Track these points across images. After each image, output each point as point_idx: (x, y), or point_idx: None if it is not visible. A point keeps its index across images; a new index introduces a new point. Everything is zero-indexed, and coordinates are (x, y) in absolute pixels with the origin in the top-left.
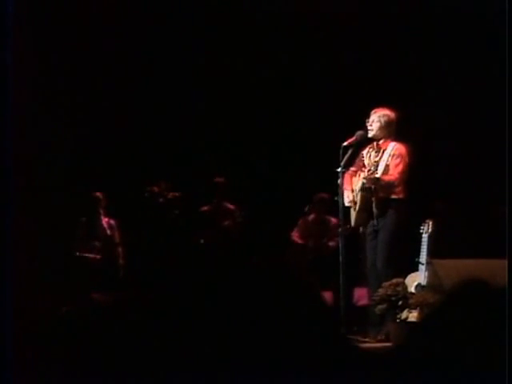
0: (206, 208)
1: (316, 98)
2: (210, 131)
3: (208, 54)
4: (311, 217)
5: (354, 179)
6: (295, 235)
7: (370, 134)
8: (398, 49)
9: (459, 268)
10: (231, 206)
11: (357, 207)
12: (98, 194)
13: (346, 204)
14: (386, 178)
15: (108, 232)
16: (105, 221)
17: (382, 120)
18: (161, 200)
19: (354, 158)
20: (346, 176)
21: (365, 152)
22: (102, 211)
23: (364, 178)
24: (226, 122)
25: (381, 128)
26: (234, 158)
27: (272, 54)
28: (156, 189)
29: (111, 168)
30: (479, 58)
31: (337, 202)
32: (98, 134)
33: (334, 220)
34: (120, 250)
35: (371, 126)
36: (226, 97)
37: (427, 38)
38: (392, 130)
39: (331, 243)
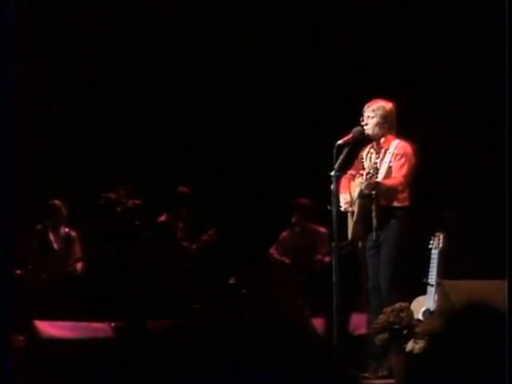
0: (163, 218)
1: (305, 90)
2: (179, 129)
3: (185, 49)
4: (294, 228)
5: (353, 184)
6: (274, 252)
7: (368, 133)
8: (400, 39)
9: (475, 290)
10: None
11: (354, 217)
12: (56, 201)
13: (342, 207)
14: (388, 182)
15: (63, 246)
16: (64, 231)
17: (378, 113)
18: (119, 209)
19: (352, 160)
20: (343, 180)
21: (365, 153)
22: (61, 221)
23: (362, 183)
24: (197, 119)
25: (378, 124)
26: (207, 162)
27: (258, 50)
28: (113, 195)
29: (62, 171)
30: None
31: (329, 211)
32: (47, 133)
33: (322, 230)
34: (78, 266)
35: (366, 123)
36: (199, 92)
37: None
38: (392, 125)
39: (321, 259)
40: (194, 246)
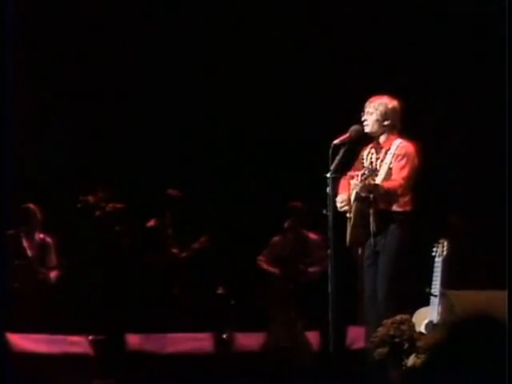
0: (152, 223)
1: (300, 87)
2: (168, 127)
3: (170, 49)
4: (286, 234)
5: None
6: (263, 259)
7: (367, 130)
8: (402, 31)
9: (481, 301)
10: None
11: (351, 222)
12: (30, 205)
13: (339, 208)
14: (387, 184)
15: (37, 253)
16: (39, 237)
17: (379, 110)
18: (97, 213)
19: (352, 160)
20: (343, 181)
21: (365, 153)
22: (35, 226)
23: (357, 185)
24: (187, 118)
25: (378, 121)
26: (198, 162)
27: (250, 45)
28: (91, 199)
29: (36, 172)
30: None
31: (325, 215)
32: (20, 133)
33: (313, 236)
34: (53, 275)
35: (365, 119)
36: (190, 90)
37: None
38: (394, 124)
39: (313, 268)
40: (183, 254)
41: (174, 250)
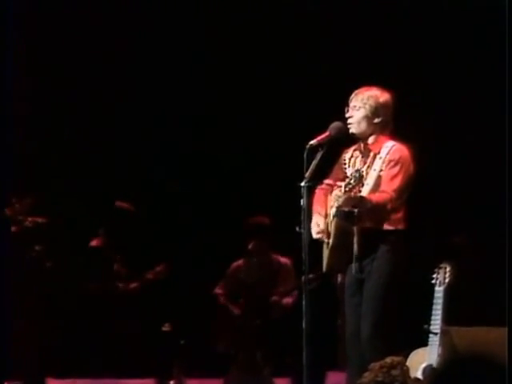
0: (95, 243)
1: (270, 77)
2: (107, 125)
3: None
4: (250, 259)
5: (330, 198)
6: (221, 293)
7: (353, 129)
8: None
9: (490, 340)
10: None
11: (330, 242)
12: None
13: (314, 236)
14: (375, 197)
15: None
16: None
17: (368, 104)
18: (13, 229)
19: (331, 166)
20: (318, 193)
21: (347, 156)
22: None
23: (339, 198)
24: (136, 116)
25: (366, 118)
26: (153, 167)
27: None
28: (8, 212)
29: None
30: None
31: (298, 233)
32: None
33: (284, 260)
34: None
35: (351, 115)
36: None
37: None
38: (386, 122)
39: (286, 299)
40: (133, 285)
41: (121, 280)
